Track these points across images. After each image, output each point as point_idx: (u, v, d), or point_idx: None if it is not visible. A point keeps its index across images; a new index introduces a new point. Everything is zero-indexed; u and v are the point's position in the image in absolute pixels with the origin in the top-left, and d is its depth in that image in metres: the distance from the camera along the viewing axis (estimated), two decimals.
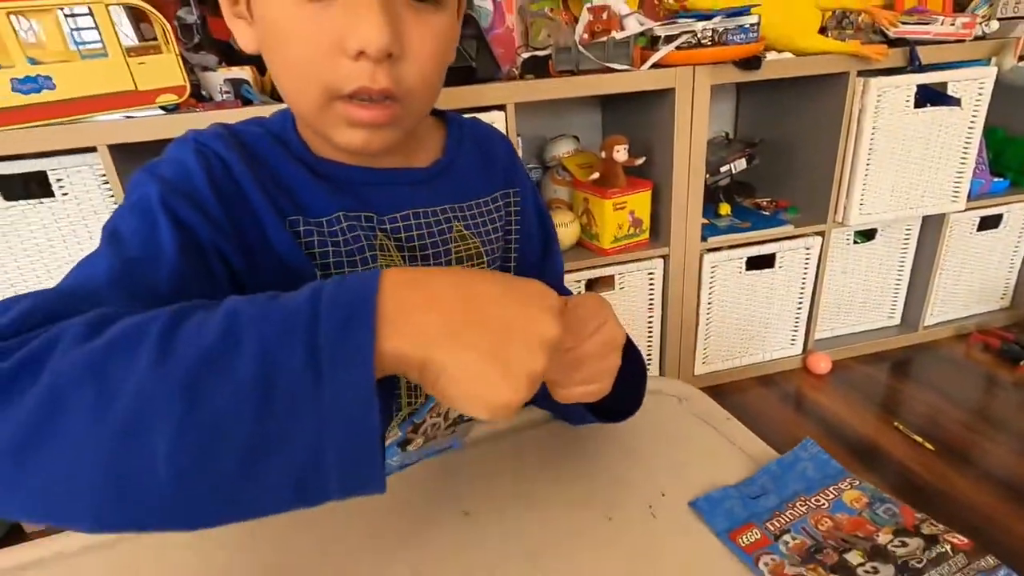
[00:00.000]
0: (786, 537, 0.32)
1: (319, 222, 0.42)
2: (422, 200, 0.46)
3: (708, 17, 1.13)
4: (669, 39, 1.15)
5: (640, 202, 1.26)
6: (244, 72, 1.08)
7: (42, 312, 0.26)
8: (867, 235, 1.48)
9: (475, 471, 0.40)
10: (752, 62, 1.15)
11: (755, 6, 1.14)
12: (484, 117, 1.06)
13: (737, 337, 1.46)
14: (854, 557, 0.30)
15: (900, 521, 0.32)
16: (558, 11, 1.32)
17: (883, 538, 0.31)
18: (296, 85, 0.37)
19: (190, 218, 0.35)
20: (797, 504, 0.35)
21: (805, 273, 1.42)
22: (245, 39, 0.38)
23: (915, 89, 1.26)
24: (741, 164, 1.42)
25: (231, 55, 1.20)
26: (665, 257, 1.31)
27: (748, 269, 1.38)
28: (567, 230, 1.27)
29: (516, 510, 0.36)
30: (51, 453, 0.22)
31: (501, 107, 1.09)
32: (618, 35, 1.14)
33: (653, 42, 1.19)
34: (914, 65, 1.25)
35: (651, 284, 1.34)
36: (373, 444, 0.24)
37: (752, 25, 1.13)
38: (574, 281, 1.28)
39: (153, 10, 0.95)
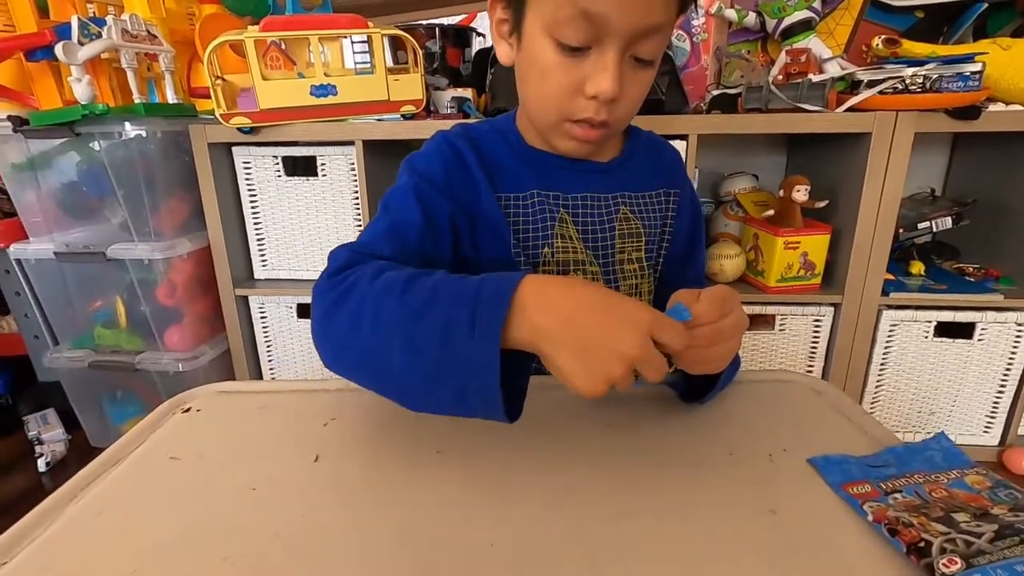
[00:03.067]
0: (896, 495, 0.35)
1: (517, 196, 0.55)
2: (599, 186, 0.58)
3: (921, 63, 1.09)
4: (873, 83, 1.13)
5: (816, 245, 1.23)
6: (467, 92, 1.31)
7: (351, 262, 0.45)
8: None
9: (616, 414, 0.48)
10: (969, 112, 1.08)
11: (981, 54, 1.07)
12: None
13: (913, 410, 1.31)
14: (960, 516, 0.32)
15: (1021, 501, 0.33)
16: (756, 53, 1.36)
17: (997, 511, 0.32)
18: (542, 104, 0.50)
19: (430, 199, 0.51)
20: (916, 476, 0.37)
21: (1013, 353, 1.24)
22: (504, 56, 0.52)
23: None
24: (946, 223, 1.30)
25: (458, 78, 1.45)
26: (837, 306, 1.25)
27: (938, 336, 1.25)
28: (731, 262, 1.29)
29: (656, 442, 0.44)
30: (357, 335, 0.40)
31: (684, 137, 1.16)
32: (815, 77, 1.15)
33: (853, 87, 1.18)
34: None
35: (816, 332, 1.28)
36: (494, 391, 0.35)
37: (974, 73, 1.06)
38: None
39: (411, 39, 1.21)
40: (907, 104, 1.09)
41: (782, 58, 1.22)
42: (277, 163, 1.30)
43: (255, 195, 1.33)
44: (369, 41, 1.21)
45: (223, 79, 1.24)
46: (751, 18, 1.28)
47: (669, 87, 1.21)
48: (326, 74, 1.21)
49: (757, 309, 1.27)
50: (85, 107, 1.06)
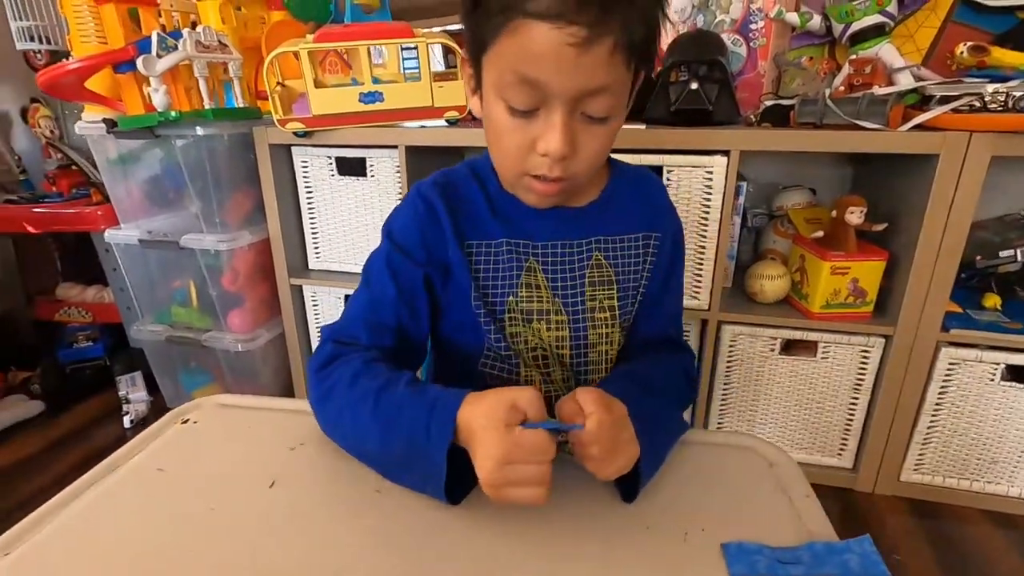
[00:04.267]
0: None
1: (488, 244, 0.57)
2: (572, 232, 0.58)
3: (1005, 79, 0.97)
4: (946, 99, 1.02)
5: (868, 271, 1.14)
6: None
7: (334, 355, 0.52)
8: None
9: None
10: None
11: None
12: (704, 160, 1.11)
13: (972, 455, 1.20)
14: None
15: None
16: (820, 60, 1.26)
17: None
18: (501, 161, 0.53)
19: (403, 268, 0.56)
20: None
21: None
22: (475, 110, 0.54)
23: None
24: None
25: None
26: (888, 338, 1.16)
27: (1007, 379, 1.13)
28: (774, 283, 1.23)
29: (565, 502, 0.45)
30: (340, 432, 0.51)
31: (725, 152, 1.11)
32: (879, 90, 1.05)
33: (925, 101, 1.07)
34: None
35: (864, 364, 1.20)
36: (440, 488, 0.43)
37: None
38: (770, 338, 1.23)
39: (458, 48, 1.23)
40: (984, 125, 0.98)
41: (845, 68, 1.13)
42: (331, 163, 1.38)
43: (311, 192, 1.43)
44: (416, 48, 1.25)
45: (283, 84, 1.33)
46: (816, 22, 1.19)
47: (719, 96, 1.16)
48: (376, 80, 1.26)
49: (798, 334, 1.21)
50: (160, 114, 1.18)
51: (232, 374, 1.50)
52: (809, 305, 1.19)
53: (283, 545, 0.41)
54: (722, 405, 1.31)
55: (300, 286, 1.49)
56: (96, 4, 1.20)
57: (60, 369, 1.73)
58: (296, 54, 1.21)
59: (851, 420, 1.25)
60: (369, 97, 1.25)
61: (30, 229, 1.67)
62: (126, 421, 1.55)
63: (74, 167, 1.77)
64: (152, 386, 1.65)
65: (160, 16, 1.34)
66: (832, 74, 1.22)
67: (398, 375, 0.49)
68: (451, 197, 0.57)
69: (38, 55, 1.71)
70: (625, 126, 1.19)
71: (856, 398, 1.23)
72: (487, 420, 0.41)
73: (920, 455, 1.23)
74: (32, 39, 1.59)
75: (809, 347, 1.23)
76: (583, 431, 0.41)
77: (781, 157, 1.42)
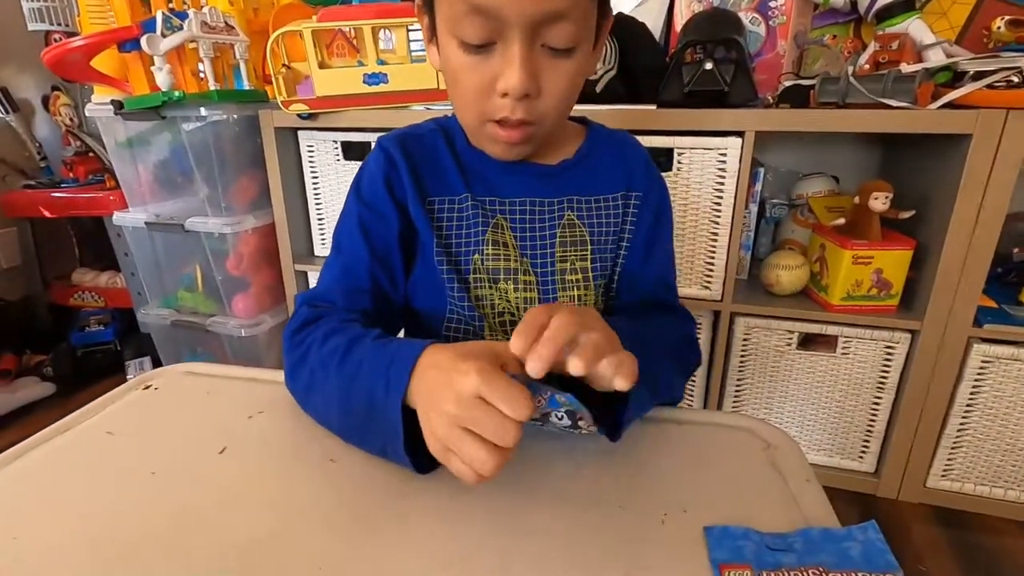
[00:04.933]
0: None
1: (452, 199, 0.53)
2: (543, 191, 0.54)
3: None
4: (979, 75, 0.95)
5: (893, 262, 1.07)
6: None
7: (309, 319, 0.49)
8: None
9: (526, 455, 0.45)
10: None
11: None
12: (717, 143, 1.06)
13: (1006, 462, 1.12)
14: None
15: None
16: (845, 39, 1.20)
17: None
18: (461, 108, 0.49)
19: (375, 228, 0.53)
20: (811, 570, 0.31)
21: None
22: (433, 61, 0.50)
23: None
24: None
25: None
26: (914, 333, 1.09)
27: None
28: (791, 274, 1.16)
29: (539, 481, 0.41)
30: (309, 397, 0.47)
31: (739, 134, 1.05)
32: (906, 68, 0.99)
33: (957, 78, 1.00)
34: None
35: (888, 360, 1.13)
36: (399, 448, 0.38)
37: None
38: (787, 331, 1.16)
39: None
40: (1022, 102, 0.91)
41: (871, 46, 1.07)
42: (336, 147, 1.36)
43: (316, 176, 1.41)
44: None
45: (288, 67, 1.31)
46: None
47: (735, 77, 1.10)
48: (382, 62, 1.24)
49: (816, 328, 1.14)
50: (164, 94, 1.18)
51: (236, 359, 1.49)
52: (828, 297, 1.12)
53: (221, 510, 0.38)
54: (735, 401, 1.25)
55: (305, 272, 1.48)
56: None
57: (72, 353, 1.74)
58: (300, 34, 1.20)
59: (873, 421, 1.17)
60: (373, 78, 1.23)
61: (46, 213, 1.69)
62: None
63: (91, 153, 1.80)
64: None
65: (170, 0, 1.34)
66: (857, 53, 1.16)
67: (370, 331, 0.45)
68: (412, 151, 0.54)
69: (59, 39, 1.74)
70: (635, 107, 1.15)
71: (879, 397, 1.16)
72: (455, 358, 0.35)
73: (949, 460, 1.14)
74: (44, 20, 1.61)
75: (828, 342, 1.16)
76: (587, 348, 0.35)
77: (801, 143, 1.35)
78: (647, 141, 1.10)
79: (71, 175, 1.79)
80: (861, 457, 1.21)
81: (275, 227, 1.43)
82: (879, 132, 1.03)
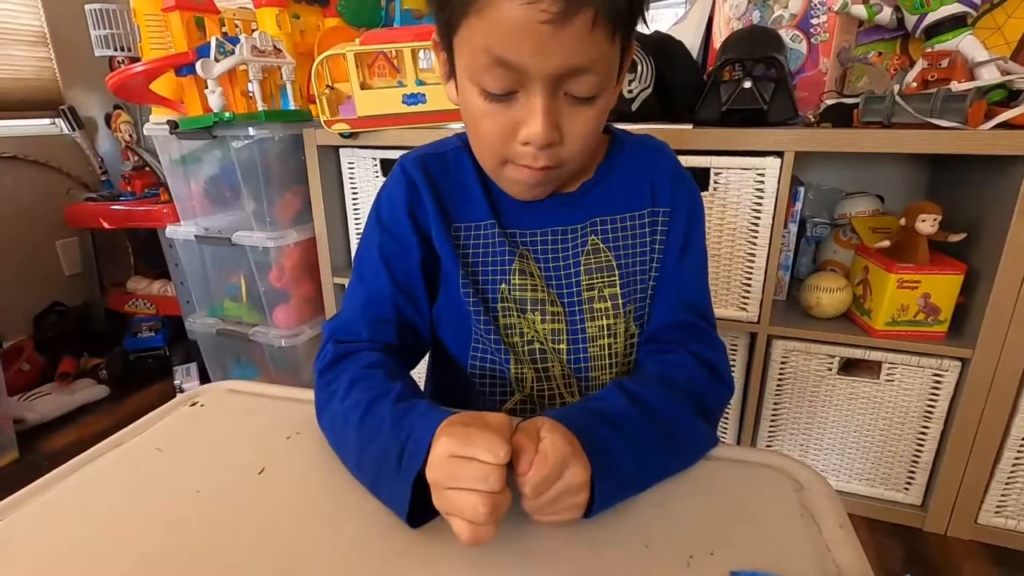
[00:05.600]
0: None
1: (477, 225, 0.53)
2: (565, 218, 0.54)
3: None
4: None
5: (942, 286, 1.03)
6: None
7: (336, 357, 0.50)
8: None
9: None
10: None
11: None
12: (755, 162, 1.04)
13: None
14: None
15: None
16: (891, 55, 1.16)
17: None
18: (481, 149, 0.49)
19: (396, 257, 0.53)
20: None
21: None
22: (451, 97, 0.49)
23: None
24: None
25: None
26: (965, 361, 1.04)
27: None
28: (833, 296, 1.13)
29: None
30: (332, 441, 0.48)
31: (778, 154, 1.04)
32: (957, 86, 0.95)
33: (1012, 97, 0.96)
34: None
35: (936, 389, 1.08)
36: (403, 516, 0.38)
37: None
38: (827, 356, 1.13)
39: None
40: None
41: (919, 63, 1.03)
42: (376, 164, 1.40)
43: (356, 192, 1.45)
44: None
45: (332, 87, 1.36)
46: (886, 14, 1.09)
47: (775, 95, 1.09)
48: (420, 82, 1.27)
49: (859, 353, 1.11)
50: (216, 115, 1.24)
51: (276, 369, 1.54)
52: (872, 321, 1.09)
53: (260, 531, 0.39)
54: (771, 427, 1.22)
55: (343, 285, 1.52)
56: (164, 12, 1.28)
57: (125, 357, 1.84)
58: (344, 56, 1.24)
59: (920, 451, 1.12)
60: (412, 99, 1.26)
61: (105, 225, 1.80)
62: None
63: (147, 168, 1.90)
64: (205, 377, 1.73)
65: (223, 24, 1.41)
66: (904, 70, 1.12)
67: (389, 387, 0.45)
68: (434, 173, 0.53)
69: (121, 64, 1.85)
70: (671, 127, 1.14)
71: (926, 427, 1.11)
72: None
73: (1003, 496, 1.08)
74: (109, 46, 1.72)
75: (871, 368, 1.12)
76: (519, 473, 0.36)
77: (845, 161, 1.32)
78: (683, 161, 1.09)
79: (129, 189, 1.90)
80: (906, 489, 1.16)
81: (316, 241, 1.48)
82: (918, 154, 0.99)
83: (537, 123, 0.42)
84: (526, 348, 0.54)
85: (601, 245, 0.54)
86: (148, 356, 1.86)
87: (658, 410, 0.44)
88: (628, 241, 0.54)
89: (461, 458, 0.35)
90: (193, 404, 0.57)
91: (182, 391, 1.67)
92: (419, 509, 0.38)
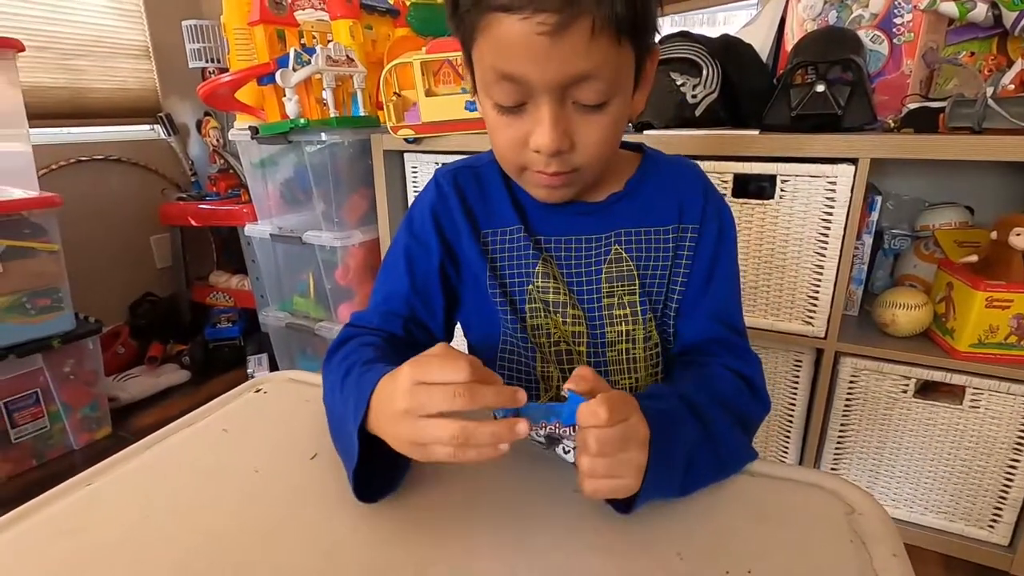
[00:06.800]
0: None
1: (504, 230, 0.55)
2: (590, 226, 0.55)
3: None
4: None
5: None
6: None
7: (344, 338, 0.53)
8: None
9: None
10: None
11: None
12: (826, 170, 0.99)
13: None
14: None
15: None
16: (986, 55, 1.08)
17: None
18: (500, 158, 0.51)
19: (419, 260, 0.56)
20: None
21: None
22: (479, 109, 0.51)
23: None
24: None
25: None
26: None
27: None
28: (910, 314, 1.05)
29: (593, 535, 0.41)
30: (327, 408, 0.50)
31: (853, 161, 0.98)
32: None
33: None
34: None
35: None
36: (351, 472, 0.41)
37: None
38: (902, 377, 1.06)
39: None
40: None
41: (1017, 64, 0.95)
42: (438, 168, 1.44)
43: None
44: None
45: (399, 94, 1.42)
46: (980, 11, 1.01)
47: (850, 99, 1.04)
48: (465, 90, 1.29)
49: (939, 376, 1.03)
50: (291, 121, 1.32)
51: (252, 379, 1.61)
52: (955, 343, 1.01)
53: (310, 511, 0.42)
54: (837, 450, 1.15)
55: None
56: (250, 26, 1.38)
57: (205, 345, 1.98)
58: (411, 65, 1.29)
59: (1008, 486, 1.03)
60: (473, 105, 1.29)
61: (192, 222, 1.95)
62: None
63: (231, 171, 2.04)
64: (275, 367, 1.83)
65: (302, 36, 1.50)
66: (1001, 71, 1.03)
67: (376, 356, 0.47)
68: (465, 185, 0.56)
69: (212, 74, 2.00)
70: (734, 132, 1.11)
71: (1016, 460, 1.01)
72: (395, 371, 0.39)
73: None
74: (202, 59, 1.86)
75: (953, 392, 1.04)
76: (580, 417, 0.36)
77: (930, 169, 1.23)
78: (747, 167, 1.06)
79: (214, 189, 2.05)
80: (991, 526, 1.06)
81: (379, 242, 1.54)
82: (1016, 162, 0.91)
83: (544, 132, 0.43)
84: (552, 349, 0.56)
85: (624, 255, 0.54)
86: (225, 345, 1.99)
87: (707, 415, 0.44)
88: (652, 253, 0.55)
89: (425, 384, 0.36)
90: (257, 391, 0.62)
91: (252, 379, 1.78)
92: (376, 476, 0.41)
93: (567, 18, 0.38)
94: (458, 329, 0.63)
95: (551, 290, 0.54)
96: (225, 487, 0.45)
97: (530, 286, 0.55)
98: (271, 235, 1.57)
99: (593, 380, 0.39)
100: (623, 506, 0.39)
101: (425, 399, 0.36)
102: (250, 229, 1.64)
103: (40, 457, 1.48)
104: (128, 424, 1.67)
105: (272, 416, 0.57)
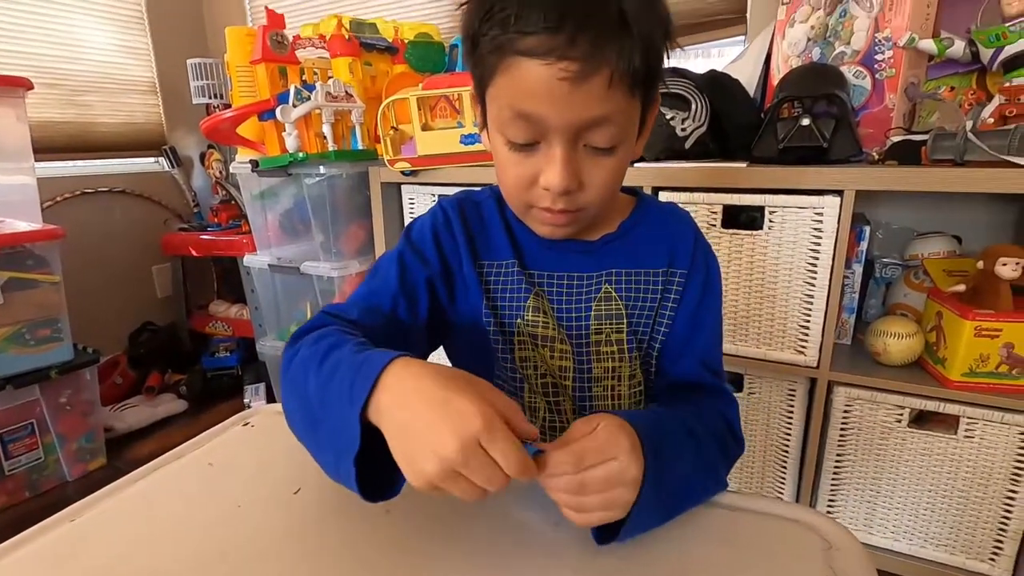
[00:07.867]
0: None
1: (499, 264, 0.57)
2: (582, 265, 0.56)
3: None
4: None
5: None
6: None
7: (315, 324, 0.49)
8: None
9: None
10: None
11: None
12: (812, 201, 1.01)
13: None
14: None
15: None
16: (965, 90, 1.10)
17: None
18: (507, 194, 0.52)
19: (411, 265, 0.55)
20: None
21: None
22: (485, 144, 0.53)
23: None
24: None
25: None
26: None
27: None
28: (901, 343, 1.06)
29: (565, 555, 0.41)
30: (289, 401, 0.46)
31: (838, 192, 1.00)
32: None
33: None
34: None
35: (1023, 450, 0.98)
36: (349, 460, 0.37)
37: None
38: (896, 406, 1.05)
39: None
40: None
41: (996, 99, 0.98)
42: (434, 200, 1.47)
43: None
44: None
45: (396, 128, 1.45)
46: (958, 48, 1.05)
47: (836, 132, 1.06)
48: (477, 123, 1.33)
49: (932, 405, 1.02)
50: (291, 155, 1.35)
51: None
52: (947, 372, 1.01)
53: (293, 547, 0.42)
54: (833, 482, 1.14)
55: None
56: (252, 64, 1.42)
57: (203, 375, 1.98)
58: (407, 100, 1.32)
59: (1008, 518, 1.01)
60: (469, 139, 1.32)
61: (193, 252, 1.97)
62: None
63: (232, 202, 2.08)
64: (272, 398, 1.83)
65: (303, 73, 1.55)
66: (980, 105, 1.06)
67: (356, 338, 0.44)
68: (469, 215, 0.58)
69: (216, 109, 2.05)
70: (723, 164, 1.14)
71: (1014, 491, 1.00)
72: (448, 389, 0.35)
73: None
74: (206, 95, 1.92)
75: (947, 422, 1.03)
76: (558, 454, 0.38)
77: (918, 199, 1.25)
78: (737, 199, 1.08)
79: (215, 220, 2.08)
80: (992, 560, 1.05)
81: None
82: (1000, 193, 0.92)
83: (556, 171, 0.45)
84: (539, 381, 0.57)
85: (614, 294, 0.56)
86: (223, 375, 2.00)
87: (701, 440, 0.46)
88: (640, 294, 0.56)
89: (483, 452, 0.34)
90: (245, 424, 0.62)
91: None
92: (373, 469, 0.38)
93: (590, 68, 0.40)
94: (440, 352, 0.63)
95: (540, 324, 0.55)
96: (207, 521, 0.46)
97: (519, 320, 0.56)
98: (269, 265, 1.59)
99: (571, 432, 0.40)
100: (602, 536, 0.40)
101: (475, 468, 0.34)
102: (249, 259, 1.66)
103: (34, 488, 1.48)
104: (124, 454, 1.66)
105: (258, 450, 0.57)
